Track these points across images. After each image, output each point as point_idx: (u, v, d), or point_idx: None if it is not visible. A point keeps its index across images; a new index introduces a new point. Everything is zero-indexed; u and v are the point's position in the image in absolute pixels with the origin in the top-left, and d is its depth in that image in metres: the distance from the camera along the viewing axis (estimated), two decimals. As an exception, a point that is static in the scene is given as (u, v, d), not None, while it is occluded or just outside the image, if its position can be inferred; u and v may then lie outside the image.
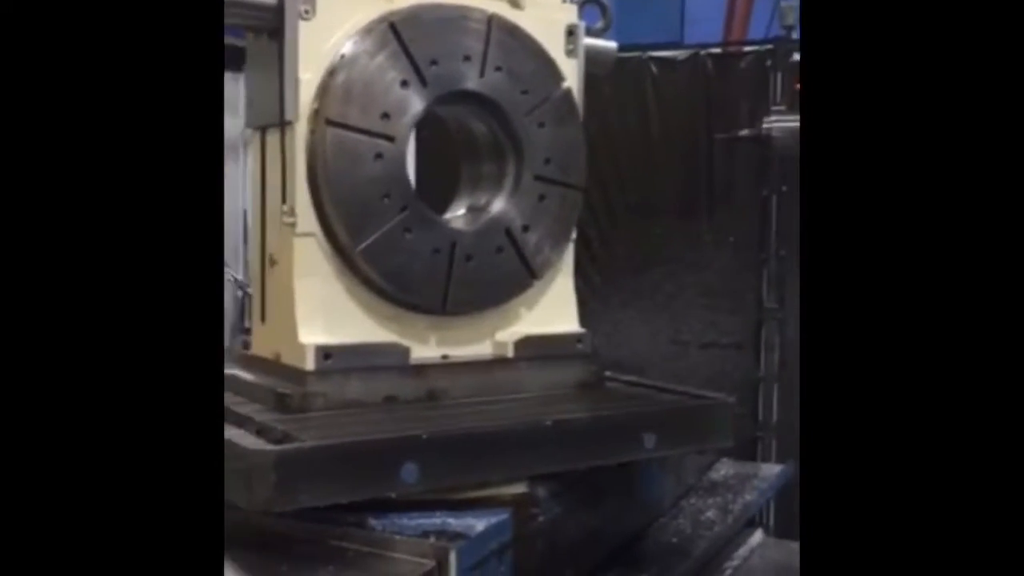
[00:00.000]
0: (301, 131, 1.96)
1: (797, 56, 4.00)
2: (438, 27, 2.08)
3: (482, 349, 2.23)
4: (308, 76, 1.96)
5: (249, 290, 3.27)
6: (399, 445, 1.77)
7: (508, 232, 2.21)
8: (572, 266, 2.44)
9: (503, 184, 2.24)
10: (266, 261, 2.06)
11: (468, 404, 2.09)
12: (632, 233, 4.28)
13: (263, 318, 2.10)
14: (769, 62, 4.00)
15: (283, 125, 1.96)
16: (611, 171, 4.24)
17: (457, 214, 2.26)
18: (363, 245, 1.99)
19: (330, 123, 1.95)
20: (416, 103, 2.05)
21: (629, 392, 2.46)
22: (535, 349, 2.26)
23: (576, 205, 2.33)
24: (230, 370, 2.20)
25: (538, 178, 2.26)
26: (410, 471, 1.74)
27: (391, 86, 2.02)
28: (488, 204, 2.24)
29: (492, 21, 2.15)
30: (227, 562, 1.65)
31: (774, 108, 2.77)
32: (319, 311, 1.99)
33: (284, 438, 1.70)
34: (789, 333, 3.98)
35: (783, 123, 2.48)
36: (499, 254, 2.20)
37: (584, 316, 3.50)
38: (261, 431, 1.76)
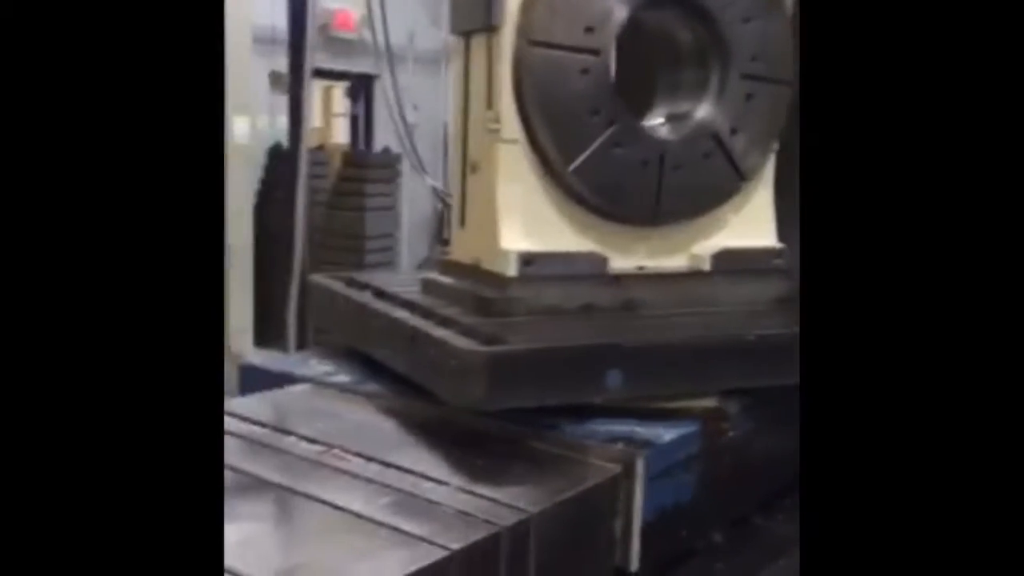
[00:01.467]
0: (508, 37, 1.97)
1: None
2: None
3: (679, 261, 2.22)
4: None
5: (449, 200, 3.36)
6: (605, 351, 1.81)
7: (716, 137, 2.16)
8: (772, 177, 2.36)
9: (708, 87, 2.18)
10: (467, 167, 2.10)
11: (665, 315, 2.10)
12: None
13: (463, 223, 2.16)
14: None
15: (489, 31, 1.97)
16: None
17: (658, 122, 2.22)
18: (575, 164, 2.00)
19: (534, 43, 1.95)
20: (619, 12, 2.01)
21: None
22: (732, 262, 2.23)
23: (785, 102, 2.24)
24: (430, 275, 2.30)
25: (745, 76, 2.18)
26: (615, 377, 1.79)
27: None
28: (692, 110, 2.19)
29: None
30: (424, 453, 1.77)
31: None
32: (520, 217, 2.02)
33: (492, 340, 1.76)
34: None
35: None
36: (707, 160, 2.16)
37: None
38: (467, 332, 1.83)
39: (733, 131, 2.16)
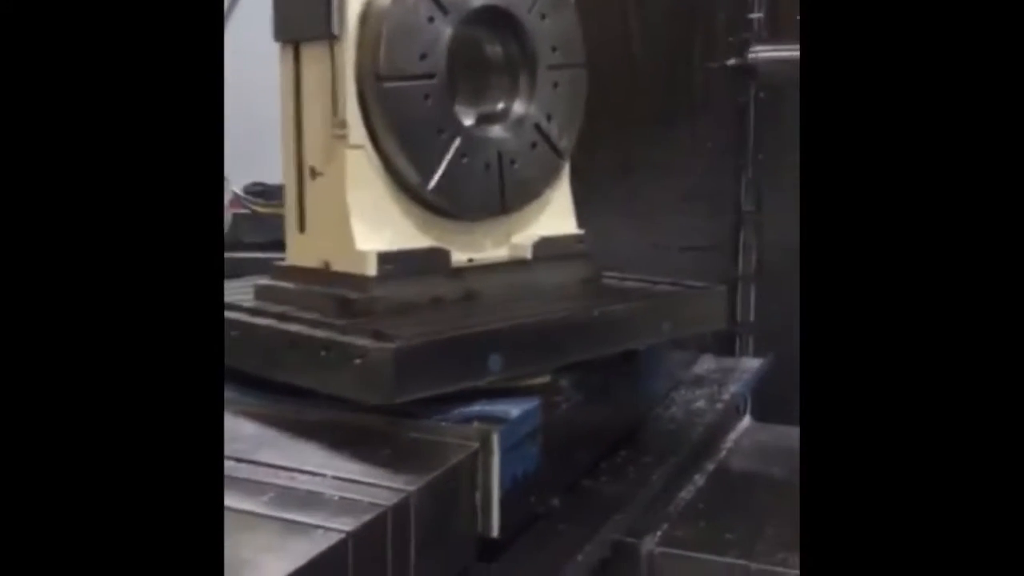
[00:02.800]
0: (349, 49, 2.06)
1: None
2: None
3: (501, 252, 2.43)
4: None
5: (257, 206, 3.35)
6: (486, 337, 1.97)
7: (537, 126, 2.38)
8: (569, 173, 2.60)
9: (522, 84, 2.41)
10: (304, 173, 2.16)
11: (503, 302, 2.28)
12: (612, 140, 4.40)
13: (302, 228, 2.21)
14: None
15: (331, 40, 2.06)
16: (592, 81, 4.33)
17: (490, 125, 2.40)
18: (432, 183, 2.15)
19: (380, 78, 2.07)
20: (445, 33, 2.17)
21: (630, 286, 2.68)
22: (549, 250, 2.48)
23: (583, 83, 2.53)
24: (265, 281, 2.33)
25: (550, 67, 2.43)
26: (495, 361, 1.95)
27: (422, 24, 2.13)
28: (512, 106, 2.41)
29: None
30: (290, 450, 1.83)
31: (757, 42, 2.88)
32: (371, 219, 2.12)
33: (381, 336, 1.85)
34: (766, 235, 4.17)
35: (767, 53, 2.66)
36: (534, 149, 2.40)
37: (573, 221, 3.63)
38: (351, 331, 1.91)
39: (549, 117, 2.41)
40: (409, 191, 2.19)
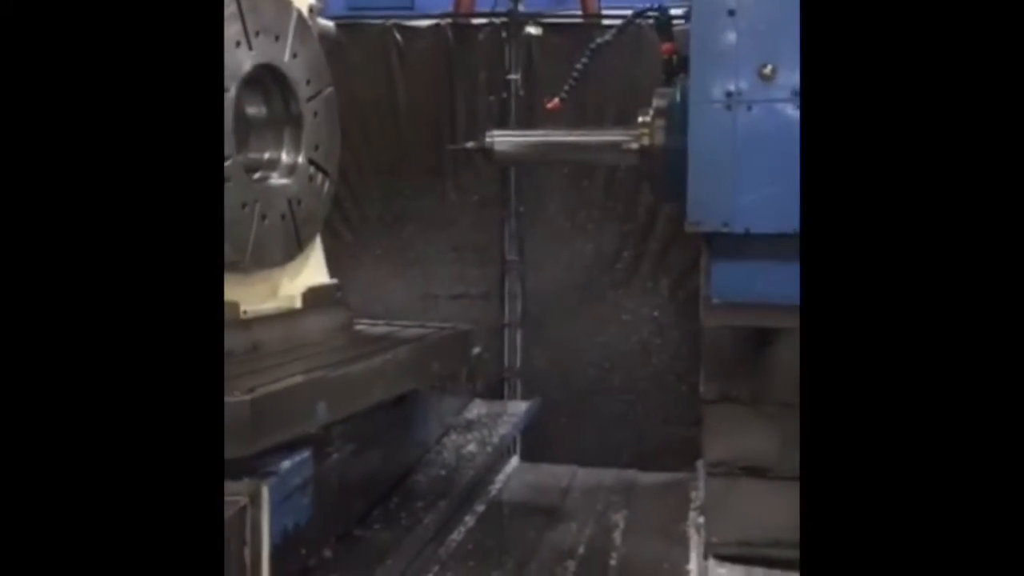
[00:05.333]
0: None
1: (528, 29, 4.37)
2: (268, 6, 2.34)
3: (271, 303, 2.48)
4: None
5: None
6: (314, 387, 2.03)
7: (289, 202, 2.47)
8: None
9: (283, 160, 2.52)
10: None
11: (288, 352, 2.33)
12: (382, 193, 4.48)
13: None
14: (504, 34, 4.34)
15: None
16: (359, 134, 4.41)
17: (269, 174, 2.50)
18: (247, 257, 2.23)
19: None
20: (243, 63, 2.25)
21: (387, 331, 2.85)
22: (315, 299, 2.59)
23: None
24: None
25: (311, 161, 2.56)
26: (322, 408, 2.01)
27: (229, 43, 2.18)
28: (279, 153, 2.52)
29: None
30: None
31: (495, 129, 3.17)
32: None
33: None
34: (529, 283, 4.37)
35: (504, 138, 2.95)
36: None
37: (339, 273, 3.70)
38: None
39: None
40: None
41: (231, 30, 2.18)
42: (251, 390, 1.86)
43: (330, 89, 2.58)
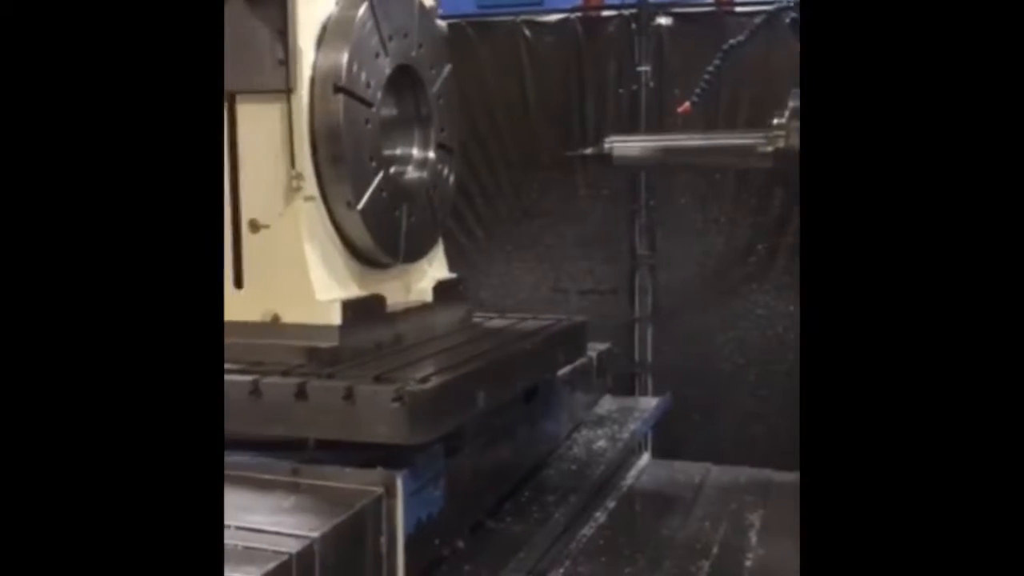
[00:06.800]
0: (304, 98, 2.13)
1: (659, 20, 4.31)
2: (392, 3, 2.36)
3: (407, 296, 2.57)
4: (304, 45, 2.13)
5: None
6: (476, 376, 2.13)
7: (427, 192, 2.52)
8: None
9: (416, 154, 2.57)
10: (243, 227, 2.17)
11: (429, 344, 2.41)
12: (513, 189, 4.51)
13: (239, 284, 2.20)
14: (634, 25, 4.29)
15: (288, 93, 2.11)
16: (490, 130, 4.45)
17: (405, 168, 2.57)
18: (361, 205, 2.23)
19: (339, 90, 2.15)
20: (384, 71, 2.32)
21: (505, 324, 2.88)
22: (443, 293, 2.64)
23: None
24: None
25: (440, 146, 2.60)
26: (481, 397, 2.11)
27: (370, 56, 2.27)
28: (405, 172, 2.56)
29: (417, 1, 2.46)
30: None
31: (614, 135, 3.13)
32: (324, 270, 2.21)
33: (381, 381, 1.96)
34: (660, 278, 4.32)
35: (623, 144, 2.91)
36: (424, 212, 2.53)
37: (471, 268, 3.72)
38: (357, 379, 1.98)
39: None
40: (349, 242, 2.28)
41: (371, 41, 2.25)
42: (425, 379, 1.96)
43: (448, 67, 2.64)
